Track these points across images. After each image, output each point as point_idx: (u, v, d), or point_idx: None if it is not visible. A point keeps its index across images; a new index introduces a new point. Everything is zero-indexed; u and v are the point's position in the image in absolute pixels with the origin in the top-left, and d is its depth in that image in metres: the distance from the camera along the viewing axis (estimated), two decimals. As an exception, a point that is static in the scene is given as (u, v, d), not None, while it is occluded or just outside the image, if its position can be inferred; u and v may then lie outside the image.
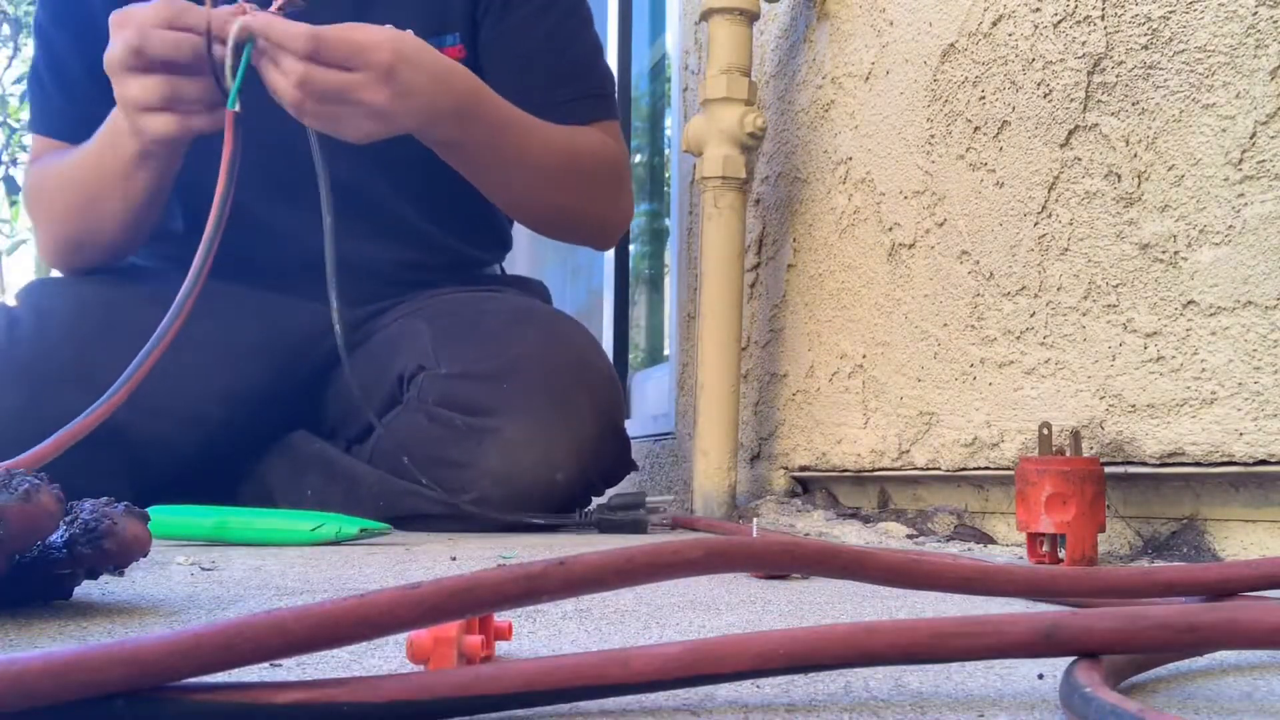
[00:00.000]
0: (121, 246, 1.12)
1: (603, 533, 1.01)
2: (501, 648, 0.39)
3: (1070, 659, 0.31)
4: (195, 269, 0.91)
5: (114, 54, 0.92)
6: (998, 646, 0.30)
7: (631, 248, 2.48)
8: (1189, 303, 0.70)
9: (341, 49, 0.90)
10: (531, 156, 1.08)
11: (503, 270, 1.38)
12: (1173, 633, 0.30)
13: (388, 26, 0.94)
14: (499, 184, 1.10)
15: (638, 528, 1.01)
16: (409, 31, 0.95)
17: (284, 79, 0.90)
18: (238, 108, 0.92)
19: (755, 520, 0.93)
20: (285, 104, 0.92)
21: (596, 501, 1.07)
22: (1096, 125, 0.77)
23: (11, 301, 1.08)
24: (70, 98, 1.13)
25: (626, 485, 1.92)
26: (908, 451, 0.98)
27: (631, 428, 1.99)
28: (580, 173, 1.13)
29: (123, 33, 0.92)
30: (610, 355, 2.29)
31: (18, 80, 5.94)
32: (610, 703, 0.31)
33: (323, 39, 0.89)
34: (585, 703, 0.31)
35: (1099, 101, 0.77)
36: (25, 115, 5.31)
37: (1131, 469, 0.73)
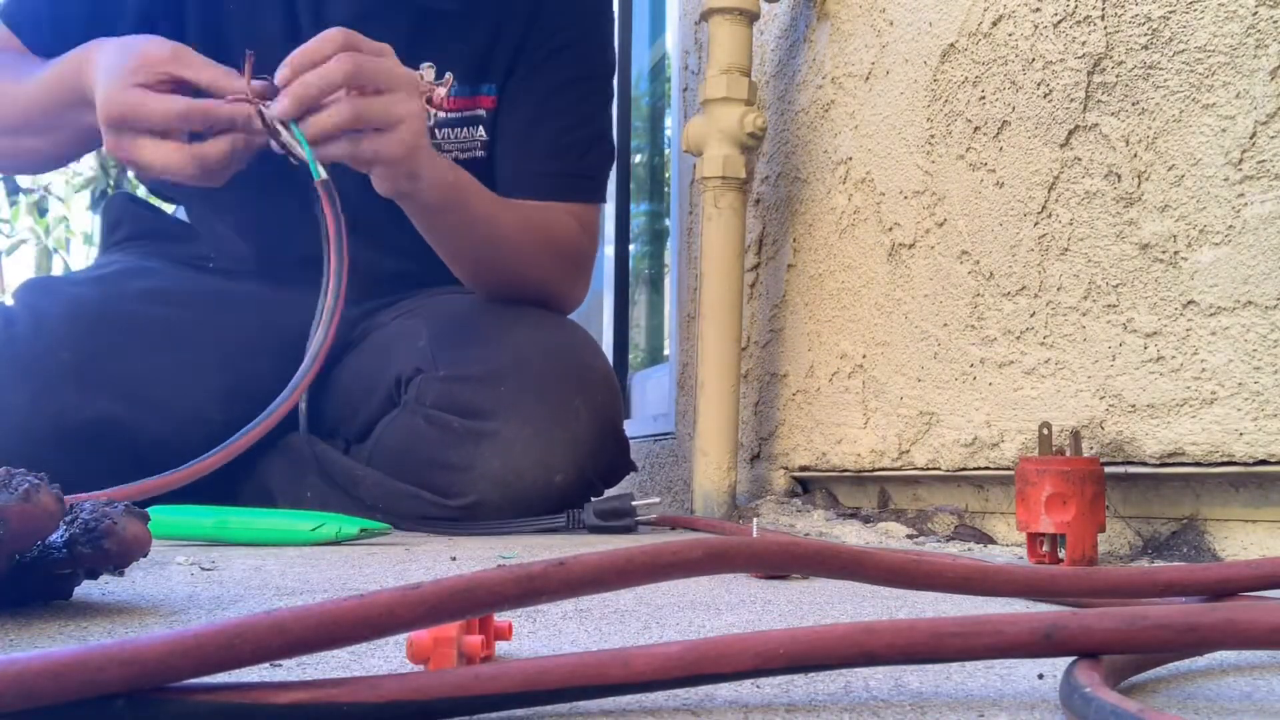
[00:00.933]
0: (30, 168, 1.13)
1: (593, 534, 1.01)
2: (501, 648, 0.39)
3: (1070, 659, 0.31)
4: (322, 329, 0.90)
5: (144, 107, 0.88)
6: (997, 647, 0.30)
7: (631, 248, 2.48)
8: (1189, 303, 0.70)
9: (377, 73, 0.89)
10: (496, 234, 1.06)
11: None
12: (1173, 633, 0.30)
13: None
14: (457, 250, 1.08)
15: (627, 531, 1.01)
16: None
17: (339, 107, 0.88)
18: (324, 174, 0.89)
19: (755, 520, 0.93)
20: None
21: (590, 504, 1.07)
22: (1096, 125, 0.77)
23: (8, 300, 1.08)
24: (54, 4, 1.09)
25: (626, 485, 1.92)
26: (908, 451, 0.98)
27: (631, 428, 1.99)
28: (540, 258, 1.12)
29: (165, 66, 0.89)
30: (610, 355, 2.30)
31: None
32: (610, 702, 0.31)
33: (366, 64, 0.88)
34: (585, 702, 0.31)
35: (1099, 101, 0.77)
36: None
37: (1131, 469, 0.73)
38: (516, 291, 1.12)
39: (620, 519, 1.00)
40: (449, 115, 1.13)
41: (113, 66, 0.90)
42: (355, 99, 0.88)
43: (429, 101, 1.09)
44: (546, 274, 1.13)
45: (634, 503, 1.02)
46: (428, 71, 1.10)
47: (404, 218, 1.19)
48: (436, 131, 1.13)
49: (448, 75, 1.11)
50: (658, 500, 1.04)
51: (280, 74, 0.88)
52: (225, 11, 1.10)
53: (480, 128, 1.15)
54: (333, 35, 0.89)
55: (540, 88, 1.14)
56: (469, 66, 1.12)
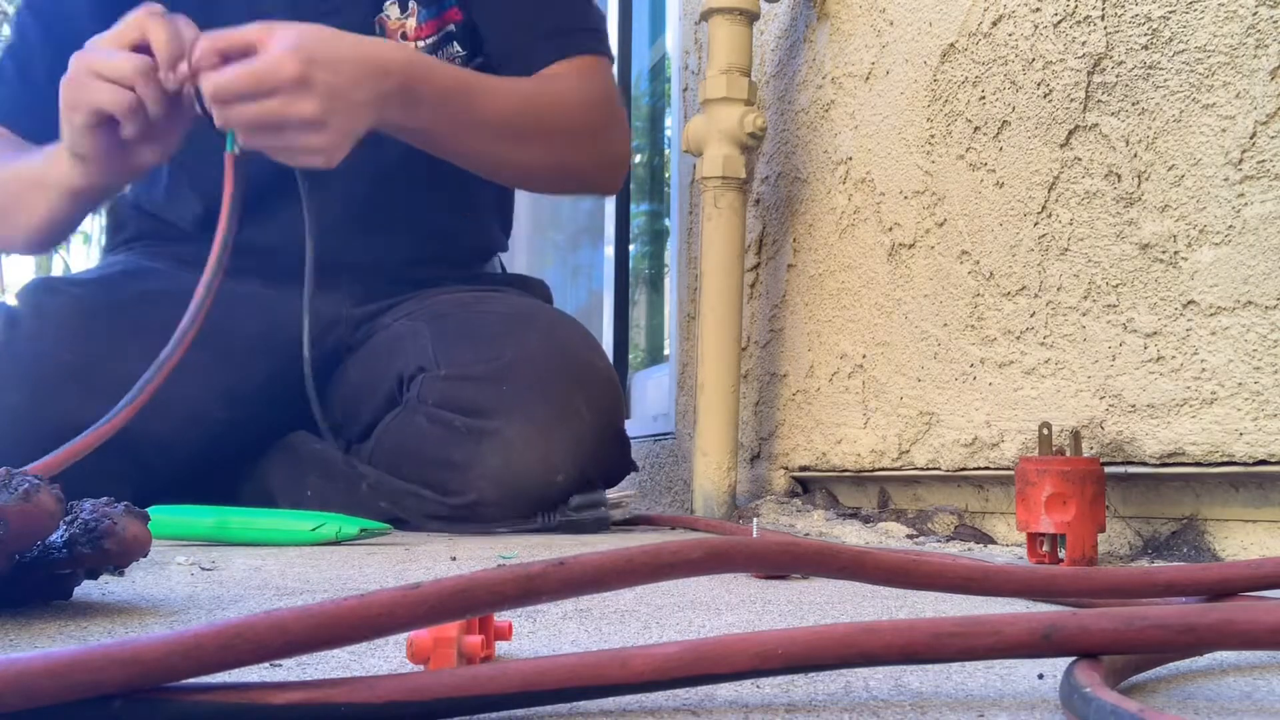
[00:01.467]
0: (39, 242, 1.14)
1: (565, 533, 1.00)
2: (501, 648, 0.39)
3: (1070, 659, 0.31)
4: (194, 306, 0.91)
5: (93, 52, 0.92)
6: (996, 647, 0.30)
7: (631, 248, 2.48)
8: (1189, 303, 0.70)
9: (242, 82, 0.89)
10: (491, 116, 1.05)
11: (503, 268, 1.38)
12: (1170, 633, 0.30)
13: (290, 25, 0.92)
14: (464, 152, 1.08)
15: (600, 526, 1.01)
16: (312, 26, 0.94)
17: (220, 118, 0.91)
18: (237, 150, 0.93)
19: (755, 520, 0.93)
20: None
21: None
22: (1096, 125, 0.77)
23: (12, 301, 1.08)
24: (28, 86, 1.13)
25: (627, 485, 1.92)
26: (908, 451, 0.98)
27: (631, 428, 1.99)
28: (547, 123, 1.10)
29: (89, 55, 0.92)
30: (610, 355, 2.29)
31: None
32: (610, 703, 0.31)
33: (218, 82, 0.89)
34: (585, 703, 0.31)
35: (1099, 101, 0.77)
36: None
37: (1131, 469, 0.73)
38: (558, 174, 1.12)
39: (593, 509, 1.00)
40: (426, 42, 1.14)
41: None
42: (256, 106, 0.90)
43: (403, 37, 1.11)
44: (574, 145, 1.12)
45: (608, 494, 1.02)
46: (392, 9, 1.12)
47: (406, 221, 1.19)
48: None
49: (411, 4, 1.13)
50: (632, 493, 1.04)
51: (199, 47, 0.90)
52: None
53: (454, 43, 1.16)
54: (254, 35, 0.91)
55: None
56: None
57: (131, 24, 0.93)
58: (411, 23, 1.13)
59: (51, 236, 1.11)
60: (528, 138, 1.09)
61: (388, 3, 1.13)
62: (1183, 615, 0.30)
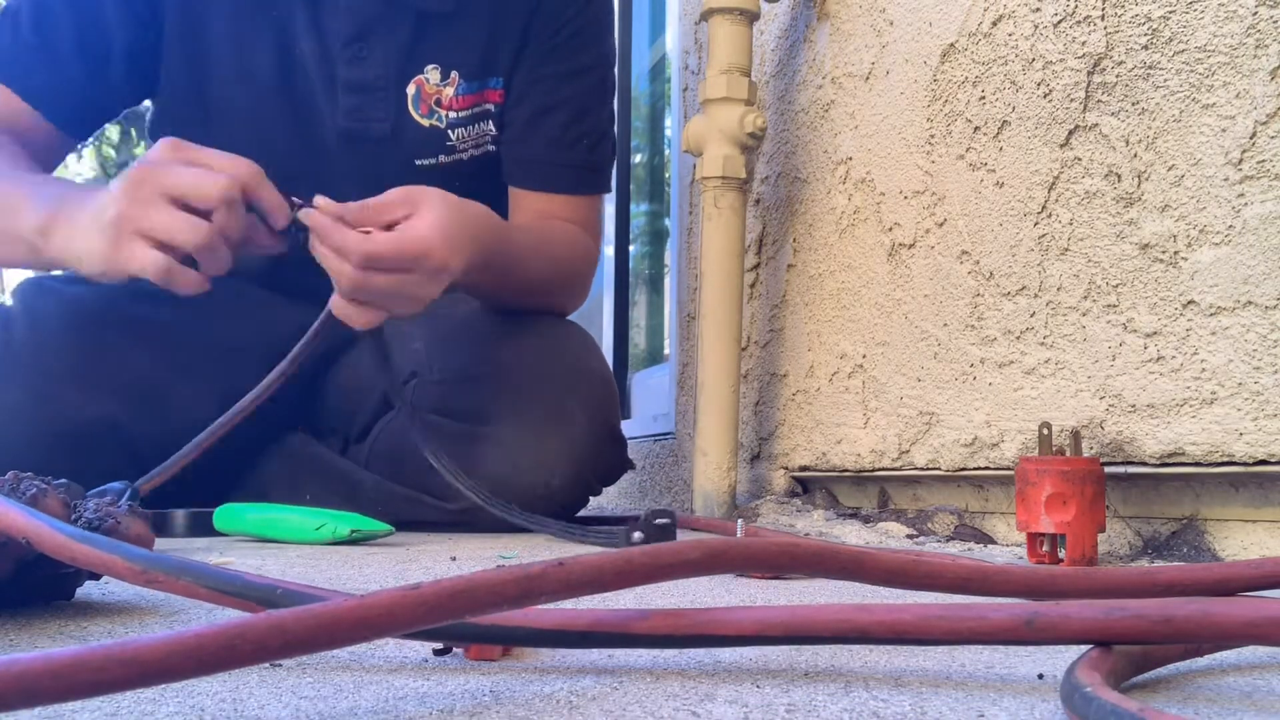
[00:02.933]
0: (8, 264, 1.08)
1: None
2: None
3: (1071, 660, 0.31)
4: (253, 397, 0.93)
5: (169, 180, 0.84)
6: (980, 631, 0.32)
7: (631, 248, 2.48)
8: (1189, 303, 0.70)
9: (393, 260, 0.87)
10: (525, 278, 1.07)
11: None
12: (1148, 624, 0.31)
13: (433, 198, 0.90)
14: (485, 297, 1.09)
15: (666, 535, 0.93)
16: (449, 200, 0.92)
17: (344, 277, 0.87)
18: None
19: (740, 521, 0.92)
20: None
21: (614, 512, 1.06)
22: (1096, 125, 0.77)
23: (7, 301, 1.08)
24: (47, 49, 1.05)
25: (625, 484, 1.92)
26: (908, 451, 0.98)
27: (631, 428, 1.99)
28: (559, 283, 1.13)
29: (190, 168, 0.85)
30: (610, 356, 2.29)
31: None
32: (611, 703, 0.31)
33: (376, 256, 0.86)
34: (585, 704, 0.31)
35: (1099, 101, 0.77)
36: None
37: (1131, 469, 0.73)
38: (526, 307, 1.12)
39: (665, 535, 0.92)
40: (460, 114, 1.13)
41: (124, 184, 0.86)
42: (390, 279, 0.88)
43: (438, 104, 1.10)
44: (557, 293, 1.14)
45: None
46: (432, 74, 1.10)
47: None
48: (451, 132, 1.13)
49: (453, 75, 1.12)
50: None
51: (354, 210, 0.87)
52: (214, 33, 1.10)
53: (489, 122, 1.15)
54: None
55: (546, 78, 1.14)
56: (473, 64, 1.12)
57: (225, 162, 0.85)
58: (449, 92, 1.12)
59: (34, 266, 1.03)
60: (540, 292, 1.11)
61: (429, 66, 1.11)
62: (1161, 607, 0.31)
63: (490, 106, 1.15)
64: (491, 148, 1.15)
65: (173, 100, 1.11)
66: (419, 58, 1.10)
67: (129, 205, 0.84)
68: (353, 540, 0.84)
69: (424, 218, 0.89)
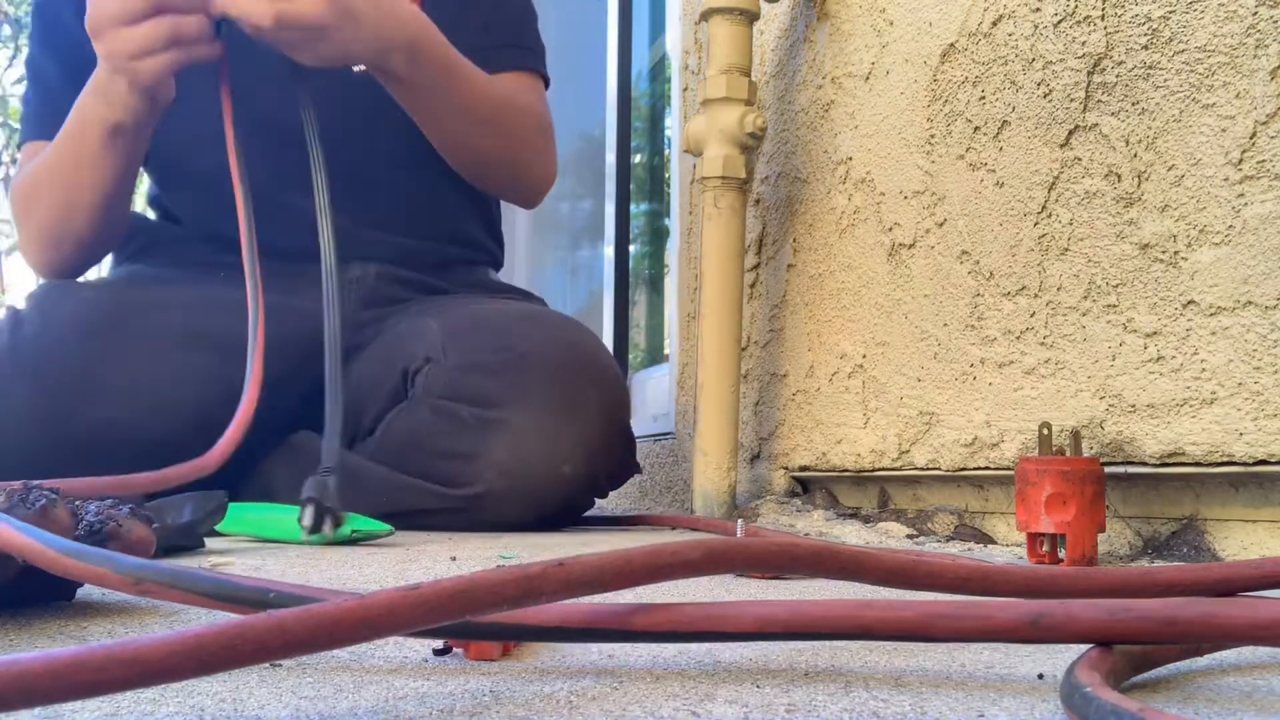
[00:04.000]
0: (96, 240, 1.15)
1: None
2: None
3: (1071, 660, 0.31)
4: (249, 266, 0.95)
5: (106, 9, 0.94)
6: (984, 629, 0.32)
7: (631, 248, 2.48)
8: (1189, 303, 0.70)
9: None
10: (473, 101, 1.12)
11: (498, 281, 1.39)
12: (1154, 624, 0.31)
13: None
14: (441, 125, 1.13)
15: None
16: None
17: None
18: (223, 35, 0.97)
19: (740, 521, 0.92)
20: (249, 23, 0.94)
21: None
22: (1096, 125, 0.77)
23: (20, 304, 1.09)
24: (51, 103, 1.15)
25: (628, 487, 1.92)
26: (908, 451, 0.98)
27: (631, 428, 1.98)
28: (512, 123, 1.18)
29: None
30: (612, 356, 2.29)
31: (18, 81, 5.93)
32: (611, 703, 0.31)
33: None
34: (585, 704, 0.31)
35: (1099, 101, 0.77)
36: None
37: (1131, 469, 0.73)
38: (506, 171, 1.19)
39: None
40: None
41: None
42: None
43: None
44: (520, 147, 1.20)
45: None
46: None
47: (414, 225, 1.20)
48: None
49: None
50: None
51: None
52: None
53: None
54: None
55: None
56: None
57: None
58: None
59: (108, 207, 1.11)
60: (495, 131, 1.16)
61: None
62: (1166, 607, 0.31)
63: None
64: None
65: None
66: None
67: (104, 52, 0.96)
68: (353, 540, 0.84)
69: None
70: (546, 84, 1.27)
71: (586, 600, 0.34)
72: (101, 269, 1.35)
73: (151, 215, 1.31)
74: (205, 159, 1.10)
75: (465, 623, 0.34)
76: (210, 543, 0.86)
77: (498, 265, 1.35)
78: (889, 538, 0.93)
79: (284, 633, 0.26)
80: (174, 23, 0.95)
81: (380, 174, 1.18)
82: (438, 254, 1.23)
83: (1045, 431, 0.71)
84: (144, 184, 1.30)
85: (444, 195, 1.22)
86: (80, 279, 1.20)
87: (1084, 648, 0.33)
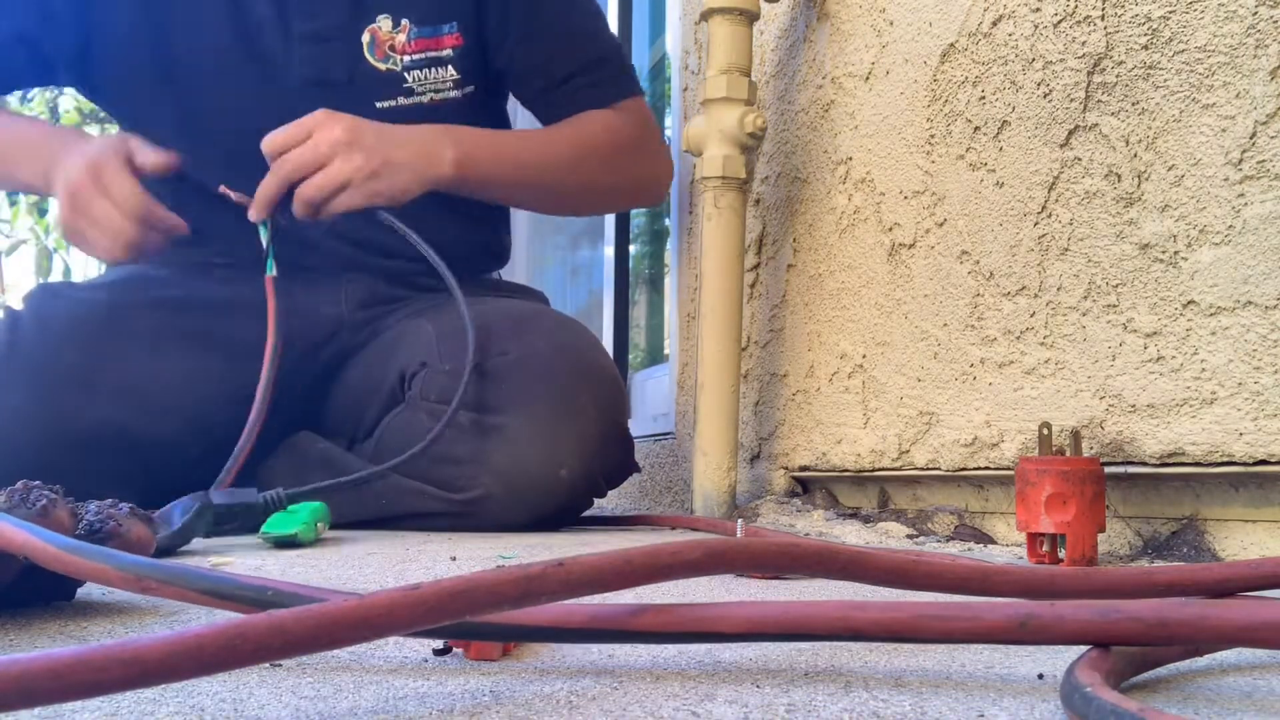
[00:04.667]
0: None
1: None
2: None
3: (1071, 660, 0.31)
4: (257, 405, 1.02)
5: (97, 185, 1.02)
6: (975, 630, 0.32)
7: (631, 248, 2.48)
8: (1189, 303, 0.70)
9: (286, 140, 1.03)
10: (537, 170, 1.15)
11: (500, 278, 1.38)
12: (1144, 626, 0.31)
13: (338, 114, 1.05)
14: (517, 200, 1.21)
15: None
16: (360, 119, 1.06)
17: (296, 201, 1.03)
18: (274, 273, 1.05)
19: (740, 521, 0.92)
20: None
21: None
22: (1096, 125, 0.77)
23: (17, 305, 1.09)
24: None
25: (628, 486, 1.92)
26: (908, 451, 0.98)
27: (631, 428, 1.98)
28: (588, 165, 1.19)
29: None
30: (610, 355, 2.29)
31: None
32: (611, 703, 0.31)
33: (276, 145, 1.04)
34: (585, 704, 0.31)
35: (1099, 101, 0.77)
36: (24, 115, 5.29)
37: (1131, 469, 0.73)
38: (603, 200, 1.25)
39: None
40: (414, 58, 1.16)
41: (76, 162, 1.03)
42: (320, 176, 1.03)
43: (392, 49, 1.15)
44: (619, 173, 1.22)
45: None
46: (384, 22, 1.15)
47: (409, 225, 1.20)
48: (408, 74, 1.17)
49: (404, 22, 1.15)
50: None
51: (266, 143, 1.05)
52: (170, 14, 1.13)
53: (449, 67, 1.18)
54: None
55: (518, 12, 1.18)
56: (422, 11, 1.16)
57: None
58: (401, 38, 1.16)
59: None
60: (574, 180, 1.19)
61: (381, 15, 1.15)
62: (1157, 609, 0.31)
63: (448, 52, 1.18)
64: (453, 93, 1.18)
65: (133, 70, 1.15)
66: (370, 8, 1.15)
67: (68, 213, 1.04)
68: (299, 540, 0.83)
69: (326, 114, 1.04)
70: (643, 93, 1.27)
71: (585, 602, 0.34)
72: (89, 257, 1.36)
73: None
74: (205, 170, 1.11)
75: (464, 623, 0.34)
76: (211, 543, 0.86)
77: (502, 261, 1.35)
78: (889, 538, 0.93)
79: (284, 633, 0.26)
80: (142, 240, 1.03)
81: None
82: (445, 250, 1.23)
83: (1045, 431, 0.71)
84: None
85: (444, 200, 1.22)
86: (74, 281, 1.20)
87: (1084, 648, 0.33)
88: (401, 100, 1.15)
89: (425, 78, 1.17)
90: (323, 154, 1.02)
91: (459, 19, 1.16)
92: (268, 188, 1.03)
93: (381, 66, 1.15)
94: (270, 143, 1.03)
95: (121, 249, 1.03)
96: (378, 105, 1.14)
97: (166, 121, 1.14)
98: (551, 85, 1.20)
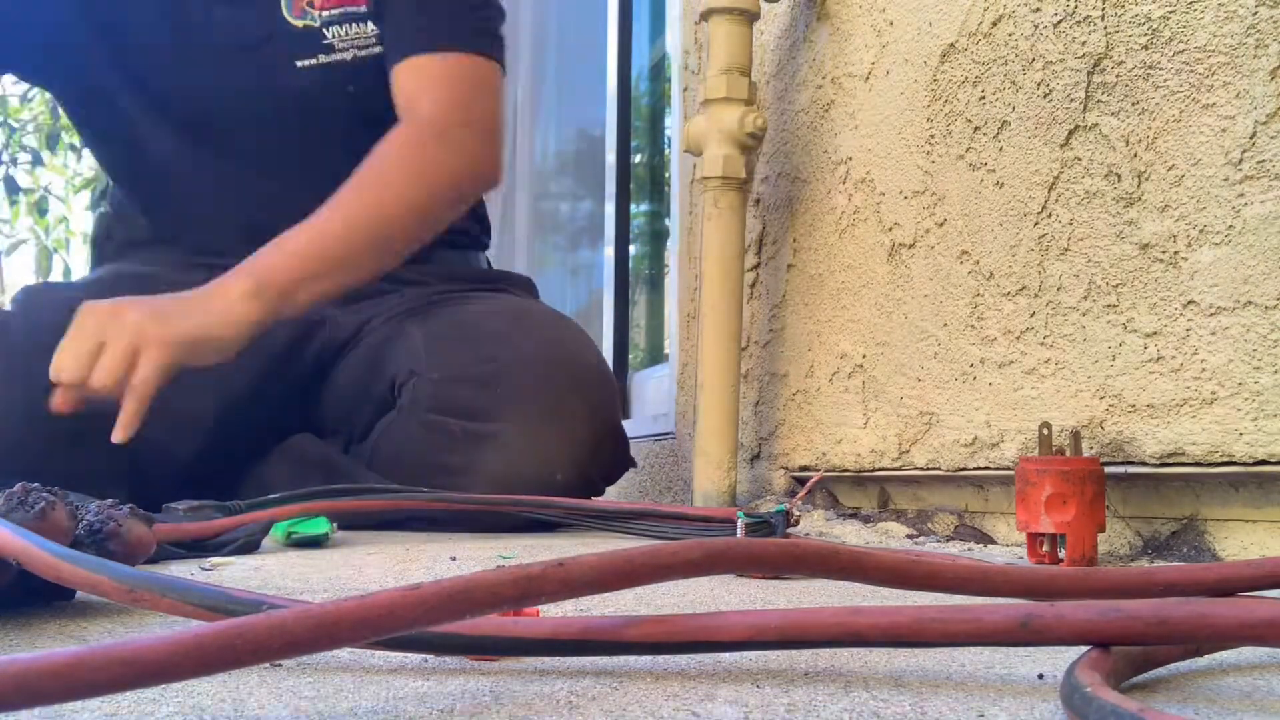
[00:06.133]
0: None
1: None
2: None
3: (1071, 659, 0.31)
4: None
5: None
6: (976, 633, 0.32)
7: (631, 248, 2.48)
8: (1189, 303, 0.70)
9: (79, 362, 0.93)
10: (353, 249, 1.05)
11: (489, 264, 1.38)
12: (1144, 625, 0.31)
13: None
14: (355, 277, 1.07)
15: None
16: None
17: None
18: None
19: (740, 520, 0.92)
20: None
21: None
22: (1096, 125, 0.77)
23: (6, 306, 1.08)
24: None
25: (626, 483, 1.92)
26: (908, 451, 0.98)
27: (631, 428, 1.99)
28: (399, 206, 1.07)
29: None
30: (610, 355, 2.29)
31: (17, 80, 5.93)
32: (611, 703, 0.31)
33: (60, 364, 0.93)
34: (585, 704, 0.31)
35: (1099, 101, 0.77)
36: (25, 115, 5.30)
37: (1131, 469, 0.73)
38: (429, 227, 1.10)
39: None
40: (331, 12, 1.14)
41: None
42: (105, 367, 0.93)
43: (310, 4, 1.13)
44: (431, 200, 1.09)
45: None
46: None
47: None
48: (326, 30, 1.14)
49: None
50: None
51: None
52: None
53: (369, 23, 1.15)
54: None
55: None
56: None
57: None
58: None
59: None
60: (393, 228, 1.07)
61: None
62: (1157, 608, 0.31)
63: (363, 7, 1.14)
64: (376, 49, 1.14)
65: (63, 31, 1.13)
66: None
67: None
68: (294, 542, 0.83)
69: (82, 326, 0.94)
70: (491, 57, 1.15)
71: (584, 604, 0.33)
72: (89, 257, 1.35)
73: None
74: (186, 184, 1.11)
75: (453, 635, 0.34)
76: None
77: (482, 247, 1.35)
78: (889, 538, 0.93)
79: (284, 633, 0.26)
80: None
81: (346, 171, 1.16)
82: (414, 256, 1.22)
83: (1045, 431, 0.71)
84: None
85: None
86: (66, 281, 1.20)
87: (1084, 648, 0.33)
88: (322, 58, 1.13)
89: (345, 34, 1.14)
90: (91, 345, 0.93)
91: None
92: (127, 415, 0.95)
93: (299, 24, 1.13)
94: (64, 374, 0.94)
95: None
96: (298, 65, 1.12)
97: (112, 95, 1.13)
98: (395, 24, 1.12)
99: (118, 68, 1.13)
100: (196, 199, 1.19)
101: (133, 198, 1.25)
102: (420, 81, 1.11)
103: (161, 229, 1.23)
